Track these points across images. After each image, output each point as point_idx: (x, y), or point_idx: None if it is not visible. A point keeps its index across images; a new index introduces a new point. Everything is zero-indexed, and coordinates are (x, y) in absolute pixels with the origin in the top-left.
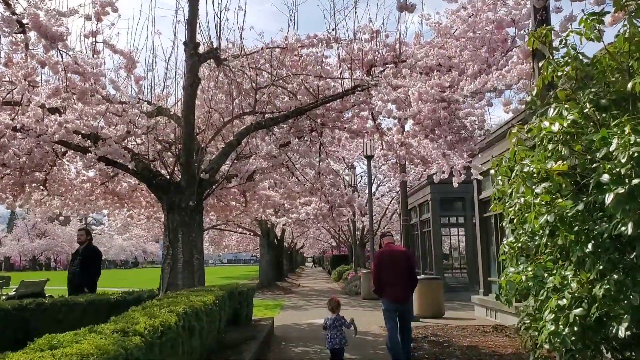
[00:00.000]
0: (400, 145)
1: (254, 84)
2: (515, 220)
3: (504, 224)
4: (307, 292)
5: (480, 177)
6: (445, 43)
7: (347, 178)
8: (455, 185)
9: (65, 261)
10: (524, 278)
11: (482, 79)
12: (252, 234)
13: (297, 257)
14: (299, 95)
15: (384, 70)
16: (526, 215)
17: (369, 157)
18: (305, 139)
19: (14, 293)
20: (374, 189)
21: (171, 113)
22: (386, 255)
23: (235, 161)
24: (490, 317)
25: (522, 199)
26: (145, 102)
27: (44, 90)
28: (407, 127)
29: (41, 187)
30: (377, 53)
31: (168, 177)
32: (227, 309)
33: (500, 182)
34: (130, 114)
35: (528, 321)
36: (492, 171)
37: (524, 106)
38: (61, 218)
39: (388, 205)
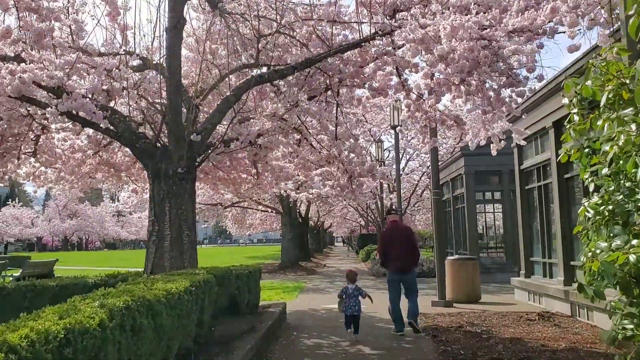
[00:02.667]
0: (429, 94)
1: (255, 32)
2: (611, 168)
3: (585, 177)
4: (331, 273)
5: (523, 143)
6: None
7: (373, 152)
8: (494, 153)
9: (98, 241)
10: (632, 258)
11: (531, 14)
12: (273, 211)
13: (326, 236)
14: (312, 47)
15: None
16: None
17: (396, 127)
18: (320, 99)
19: (18, 274)
20: (403, 164)
21: (155, 63)
22: (390, 231)
23: (236, 122)
24: (533, 302)
25: (634, 125)
26: (124, 51)
27: None
28: (437, 75)
29: (31, 158)
30: None
31: (155, 140)
32: (214, 296)
33: (577, 117)
34: (106, 65)
35: (631, 326)
36: (565, 100)
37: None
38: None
39: (418, 182)
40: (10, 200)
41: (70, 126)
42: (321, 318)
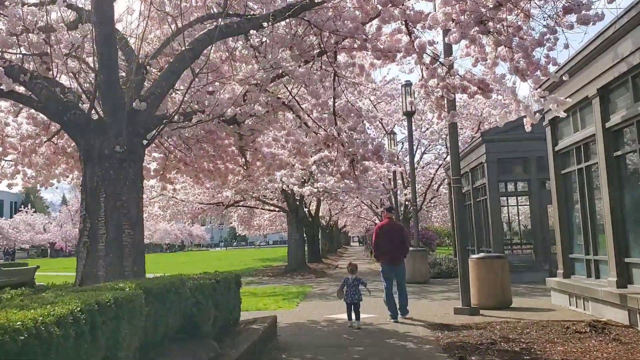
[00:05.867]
0: (444, 34)
1: None
2: None
3: None
4: (342, 275)
5: (562, 115)
6: None
7: (385, 145)
8: (528, 128)
9: None
10: None
11: None
12: (280, 210)
13: (340, 236)
14: None
15: None
16: None
17: (409, 114)
18: (314, 69)
19: None
20: (417, 158)
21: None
22: (384, 227)
23: (199, 88)
24: (576, 307)
25: None
26: None
27: None
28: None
29: None
30: None
31: (89, 110)
32: (143, 320)
33: None
34: (16, 12)
35: None
36: None
37: None
38: None
39: (434, 175)
40: (23, 206)
41: (7, 105)
42: (321, 333)
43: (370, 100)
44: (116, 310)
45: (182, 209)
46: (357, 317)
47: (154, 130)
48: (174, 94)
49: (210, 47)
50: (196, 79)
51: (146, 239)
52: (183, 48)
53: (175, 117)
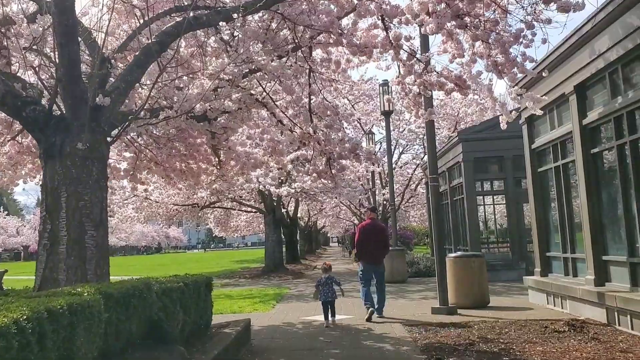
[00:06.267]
0: (419, 25)
1: None
2: None
3: None
4: (320, 276)
5: (539, 112)
6: None
7: (364, 145)
8: (504, 126)
9: None
10: None
11: None
12: (256, 211)
13: (319, 237)
14: None
15: None
16: None
17: (387, 114)
18: (289, 64)
19: None
20: (395, 158)
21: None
22: (367, 227)
23: (167, 82)
24: (554, 305)
25: None
26: None
27: None
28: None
29: None
30: None
31: (50, 106)
32: (103, 327)
33: None
34: None
35: None
36: None
37: None
38: None
39: (412, 175)
40: None
41: None
42: (296, 336)
43: (348, 99)
44: (70, 317)
45: (157, 210)
46: (333, 314)
47: (119, 127)
48: (140, 89)
49: (179, 40)
50: (164, 74)
51: (122, 241)
52: (150, 41)
53: (142, 113)
